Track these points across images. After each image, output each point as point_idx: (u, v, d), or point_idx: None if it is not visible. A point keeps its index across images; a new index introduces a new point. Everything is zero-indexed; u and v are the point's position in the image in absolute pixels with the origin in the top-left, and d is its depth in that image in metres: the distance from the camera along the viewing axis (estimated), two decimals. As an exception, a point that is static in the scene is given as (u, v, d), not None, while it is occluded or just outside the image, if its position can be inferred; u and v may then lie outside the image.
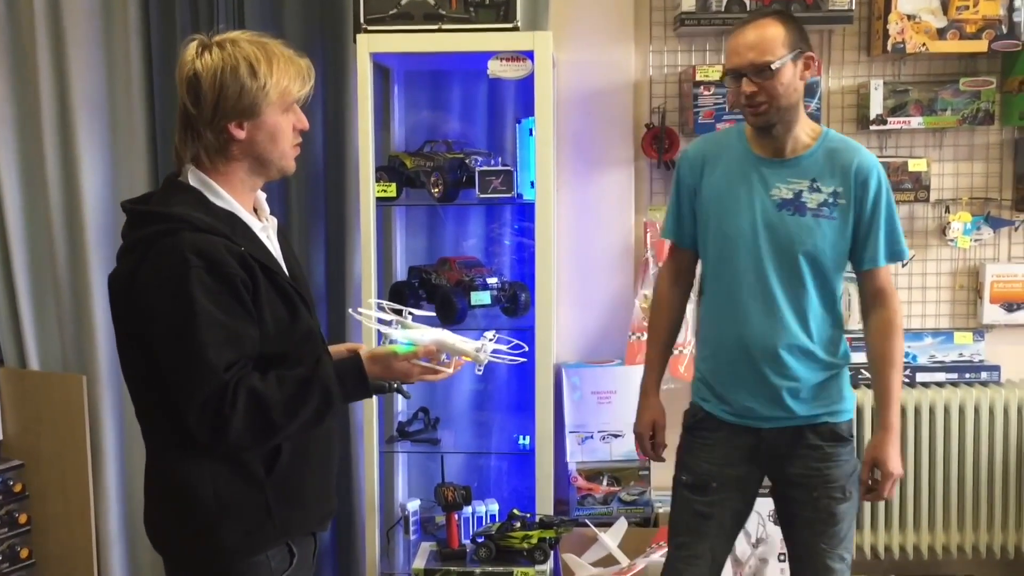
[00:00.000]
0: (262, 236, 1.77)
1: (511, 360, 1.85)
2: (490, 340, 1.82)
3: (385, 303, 1.87)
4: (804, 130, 2.26)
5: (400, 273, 3.17)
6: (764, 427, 2.28)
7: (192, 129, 1.70)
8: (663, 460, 2.47)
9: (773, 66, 2.13)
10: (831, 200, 2.22)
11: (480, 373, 1.89)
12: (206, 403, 1.59)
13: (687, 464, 2.37)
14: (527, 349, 1.92)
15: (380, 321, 1.81)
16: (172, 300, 1.60)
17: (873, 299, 2.33)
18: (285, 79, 1.69)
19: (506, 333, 3.09)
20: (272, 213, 1.86)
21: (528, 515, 2.78)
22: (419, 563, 2.83)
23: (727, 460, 2.31)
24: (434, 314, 1.91)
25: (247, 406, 1.60)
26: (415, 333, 1.77)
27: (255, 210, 1.83)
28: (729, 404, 2.31)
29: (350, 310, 1.87)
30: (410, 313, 1.84)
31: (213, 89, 1.65)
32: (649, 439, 2.44)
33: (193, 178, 1.72)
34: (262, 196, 1.85)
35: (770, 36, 2.15)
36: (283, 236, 1.90)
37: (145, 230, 1.65)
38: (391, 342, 1.77)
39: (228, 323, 1.61)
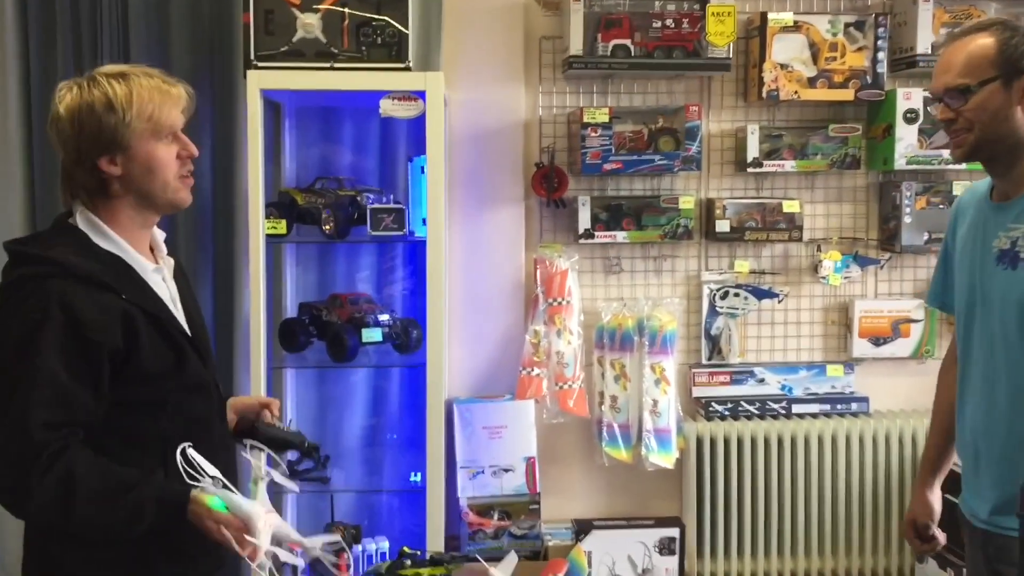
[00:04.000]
0: (154, 278, 1.74)
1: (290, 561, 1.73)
2: (319, 547, 1.74)
3: (261, 448, 1.79)
4: None
5: (291, 310, 3.14)
6: (990, 531, 1.86)
7: (67, 171, 1.70)
8: (934, 551, 2.15)
9: (971, 89, 1.77)
10: None
11: (259, 565, 1.69)
12: (13, 461, 1.53)
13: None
14: (347, 555, 1.81)
15: (198, 474, 1.61)
16: (16, 345, 1.56)
17: None
18: (150, 107, 1.67)
19: (398, 370, 3.17)
20: None
21: (419, 552, 2.77)
22: (308, 604, 2.80)
23: (976, 569, 1.93)
24: (292, 448, 1.88)
25: (57, 483, 1.53)
26: (235, 498, 1.62)
27: (152, 250, 1.80)
28: (965, 495, 1.96)
29: (178, 451, 1.58)
30: (268, 473, 1.74)
31: (73, 128, 1.66)
32: (914, 536, 2.12)
33: (81, 219, 1.70)
34: (159, 235, 1.83)
35: (973, 53, 1.77)
36: (183, 277, 1.87)
37: (17, 271, 1.61)
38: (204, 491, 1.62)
39: (66, 384, 1.56)
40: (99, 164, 1.66)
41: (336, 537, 1.85)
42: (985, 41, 1.78)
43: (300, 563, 1.76)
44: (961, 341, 1.95)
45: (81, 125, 1.65)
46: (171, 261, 1.83)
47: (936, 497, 2.11)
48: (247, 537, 1.59)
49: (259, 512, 1.63)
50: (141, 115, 1.66)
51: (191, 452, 1.60)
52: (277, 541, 1.68)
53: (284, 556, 1.70)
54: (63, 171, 1.70)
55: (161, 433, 1.66)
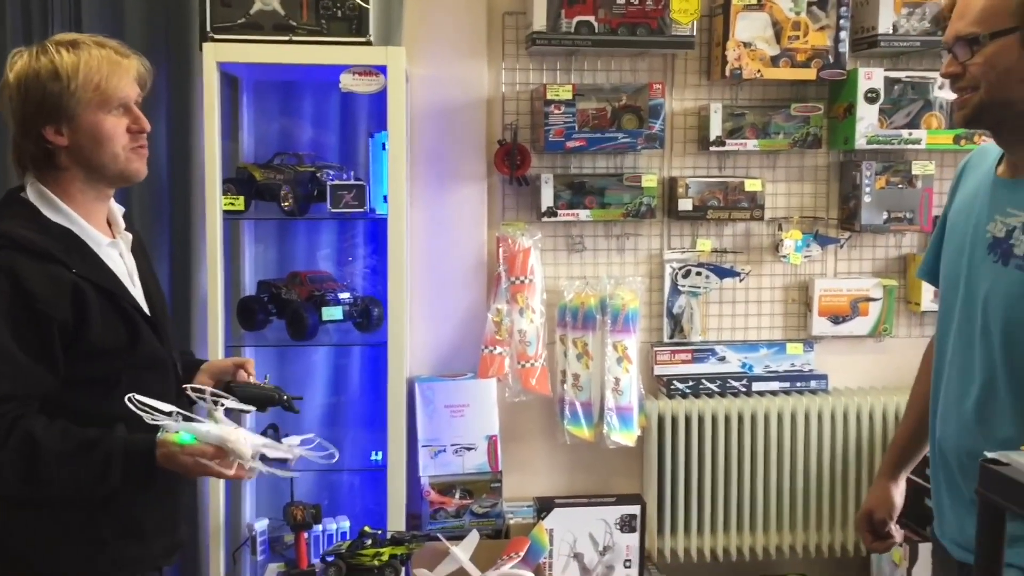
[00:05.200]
0: (108, 252, 1.71)
1: (284, 474, 1.78)
2: (296, 445, 1.76)
3: (209, 390, 1.73)
4: None
5: (249, 288, 3.10)
6: (966, 561, 1.64)
7: (15, 141, 1.68)
8: (887, 551, 1.98)
9: (979, 40, 1.50)
10: None
11: (250, 478, 1.76)
12: None
13: None
14: (336, 454, 1.84)
15: (158, 412, 1.59)
16: None
17: None
18: (97, 77, 1.64)
19: (359, 348, 3.14)
20: None
21: (380, 532, 2.77)
22: (268, 584, 2.78)
23: None
24: (253, 408, 1.83)
25: (18, 447, 1.53)
26: (201, 427, 1.60)
27: (109, 224, 1.77)
28: (936, 516, 1.74)
29: (126, 399, 1.57)
30: (221, 405, 1.71)
31: (19, 95, 1.64)
32: (867, 530, 1.93)
33: (32, 192, 1.67)
34: (118, 210, 1.80)
35: (991, 1, 1.50)
36: (143, 252, 1.84)
37: None
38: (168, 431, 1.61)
39: (16, 356, 1.54)
40: (44, 133, 1.64)
41: (310, 435, 1.84)
42: None
43: (293, 453, 1.76)
44: (940, 327, 1.72)
45: (27, 93, 1.64)
46: (129, 236, 1.80)
47: (899, 491, 1.92)
48: (229, 460, 1.58)
49: (229, 432, 1.61)
50: (87, 85, 1.63)
51: (139, 397, 1.57)
52: (257, 455, 1.67)
53: (273, 454, 1.70)
54: (13, 141, 1.68)
55: (114, 412, 1.62)
